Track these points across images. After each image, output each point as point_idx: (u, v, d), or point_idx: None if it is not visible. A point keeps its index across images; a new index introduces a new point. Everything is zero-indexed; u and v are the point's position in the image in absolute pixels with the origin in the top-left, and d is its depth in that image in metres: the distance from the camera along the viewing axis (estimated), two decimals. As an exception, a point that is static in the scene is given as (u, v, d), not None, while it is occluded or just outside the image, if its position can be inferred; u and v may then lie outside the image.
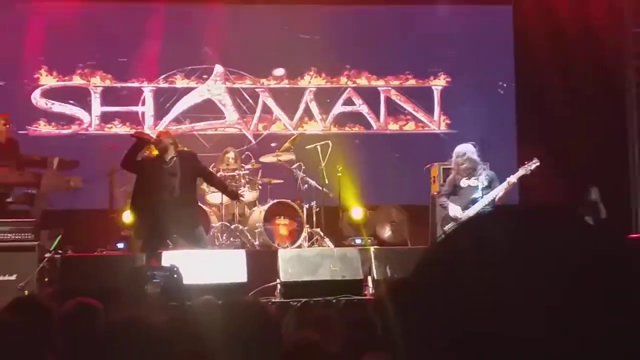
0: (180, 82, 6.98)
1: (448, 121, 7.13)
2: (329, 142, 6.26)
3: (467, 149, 5.29)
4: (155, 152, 5.12)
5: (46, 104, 6.81)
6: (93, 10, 6.83)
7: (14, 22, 6.68)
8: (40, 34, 6.72)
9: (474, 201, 5.19)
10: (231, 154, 6.11)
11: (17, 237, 5.73)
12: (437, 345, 0.45)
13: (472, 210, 5.17)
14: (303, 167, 6.15)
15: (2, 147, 5.95)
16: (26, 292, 5.07)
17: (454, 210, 5.19)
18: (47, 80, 6.79)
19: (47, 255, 5.56)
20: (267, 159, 6.23)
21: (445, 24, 7.00)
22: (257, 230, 5.89)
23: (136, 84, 6.88)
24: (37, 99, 6.76)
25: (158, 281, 4.62)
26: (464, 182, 5.33)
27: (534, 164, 5.24)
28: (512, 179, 5.24)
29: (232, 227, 5.88)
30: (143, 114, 6.88)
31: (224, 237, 5.84)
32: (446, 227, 5.38)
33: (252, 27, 6.88)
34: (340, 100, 7.15)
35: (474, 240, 0.48)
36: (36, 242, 5.61)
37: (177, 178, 5.04)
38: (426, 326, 0.46)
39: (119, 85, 6.85)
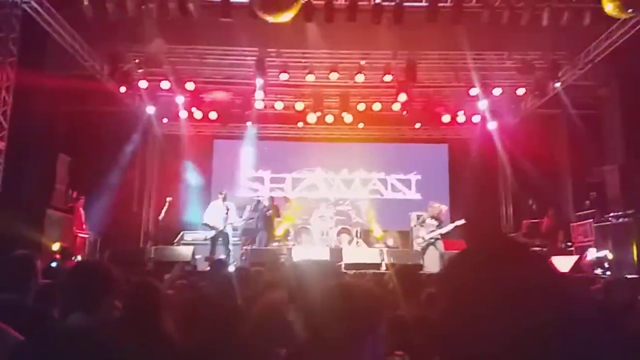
0: (299, 175, 14.52)
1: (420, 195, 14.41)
2: (367, 201, 13.47)
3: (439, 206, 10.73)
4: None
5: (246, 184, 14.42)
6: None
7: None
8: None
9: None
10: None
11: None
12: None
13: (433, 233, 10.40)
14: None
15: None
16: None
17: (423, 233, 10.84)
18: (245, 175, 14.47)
19: (245, 247, 12.38)
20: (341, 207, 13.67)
21: (415, 153, 14.30)
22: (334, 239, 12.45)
23: (283, 174, 14.53)
24: (242, 182, 14.38)
25: (284, 259, 9.82)
26: (428, 220, 10.56)
27: (461, 220, 10.46)
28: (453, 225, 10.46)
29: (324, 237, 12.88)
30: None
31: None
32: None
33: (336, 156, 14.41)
34: (370, 183, 14.55)
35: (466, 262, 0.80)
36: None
37: None
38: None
39: (275, 175, 14.42)
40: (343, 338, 1.32)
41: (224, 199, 10.44)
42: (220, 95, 12.27)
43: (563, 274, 0.88)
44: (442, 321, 0.81)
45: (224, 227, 10.15)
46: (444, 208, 10.81)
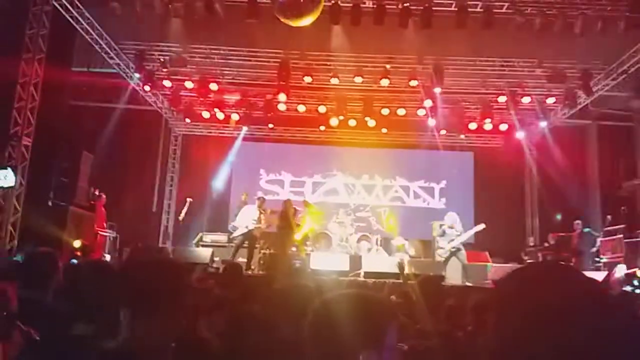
0: (320, 179, 14.39)
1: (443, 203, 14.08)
2: (387, 208, 13.26)
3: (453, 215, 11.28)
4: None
5: (266, 187, 14.35)
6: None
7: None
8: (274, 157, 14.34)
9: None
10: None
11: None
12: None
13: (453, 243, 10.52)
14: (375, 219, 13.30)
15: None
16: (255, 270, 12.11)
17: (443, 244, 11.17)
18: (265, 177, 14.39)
19: (263, 251, 12.45)
20: (361, 214, 13.45)
21: (439, 160, 14.02)
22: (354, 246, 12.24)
23: (304, 178, 14.37)
24: (262, 185, 14.27)
25: (298, 263, 9.56)
26: (447, 230, 10.52)
27: (480, 226, 10.58)
28: (472, 232, 10.65)
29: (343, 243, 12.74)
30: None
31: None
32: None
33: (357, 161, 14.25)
34: (392, 190, 14.25)
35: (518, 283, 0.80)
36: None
37: None
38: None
39: (295, 179, 14.31)
40: (345, 346, 1.23)
41: (260, 205, 10.12)
42: (231, 97, 12.20)
43: (612, 296, 0.84)
44: (490, 338, 0.80)
45: (253, 230, 9.91)
46: (457, 217, 10.58)
